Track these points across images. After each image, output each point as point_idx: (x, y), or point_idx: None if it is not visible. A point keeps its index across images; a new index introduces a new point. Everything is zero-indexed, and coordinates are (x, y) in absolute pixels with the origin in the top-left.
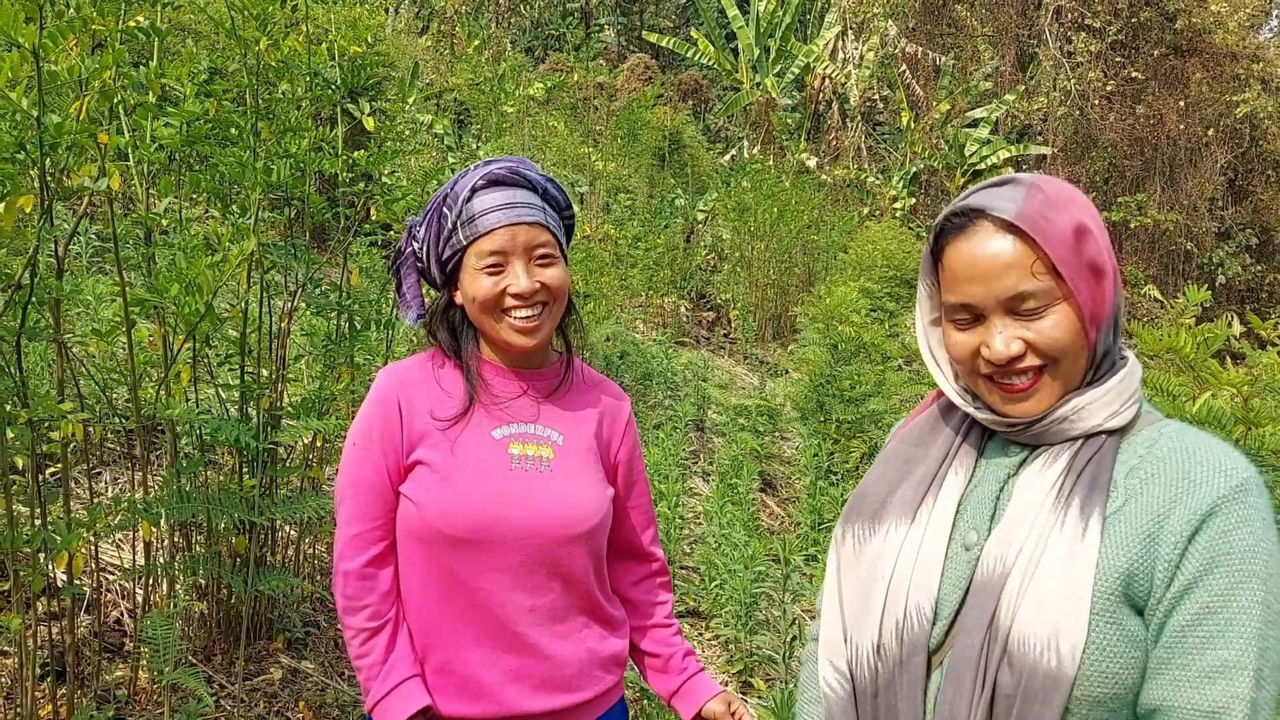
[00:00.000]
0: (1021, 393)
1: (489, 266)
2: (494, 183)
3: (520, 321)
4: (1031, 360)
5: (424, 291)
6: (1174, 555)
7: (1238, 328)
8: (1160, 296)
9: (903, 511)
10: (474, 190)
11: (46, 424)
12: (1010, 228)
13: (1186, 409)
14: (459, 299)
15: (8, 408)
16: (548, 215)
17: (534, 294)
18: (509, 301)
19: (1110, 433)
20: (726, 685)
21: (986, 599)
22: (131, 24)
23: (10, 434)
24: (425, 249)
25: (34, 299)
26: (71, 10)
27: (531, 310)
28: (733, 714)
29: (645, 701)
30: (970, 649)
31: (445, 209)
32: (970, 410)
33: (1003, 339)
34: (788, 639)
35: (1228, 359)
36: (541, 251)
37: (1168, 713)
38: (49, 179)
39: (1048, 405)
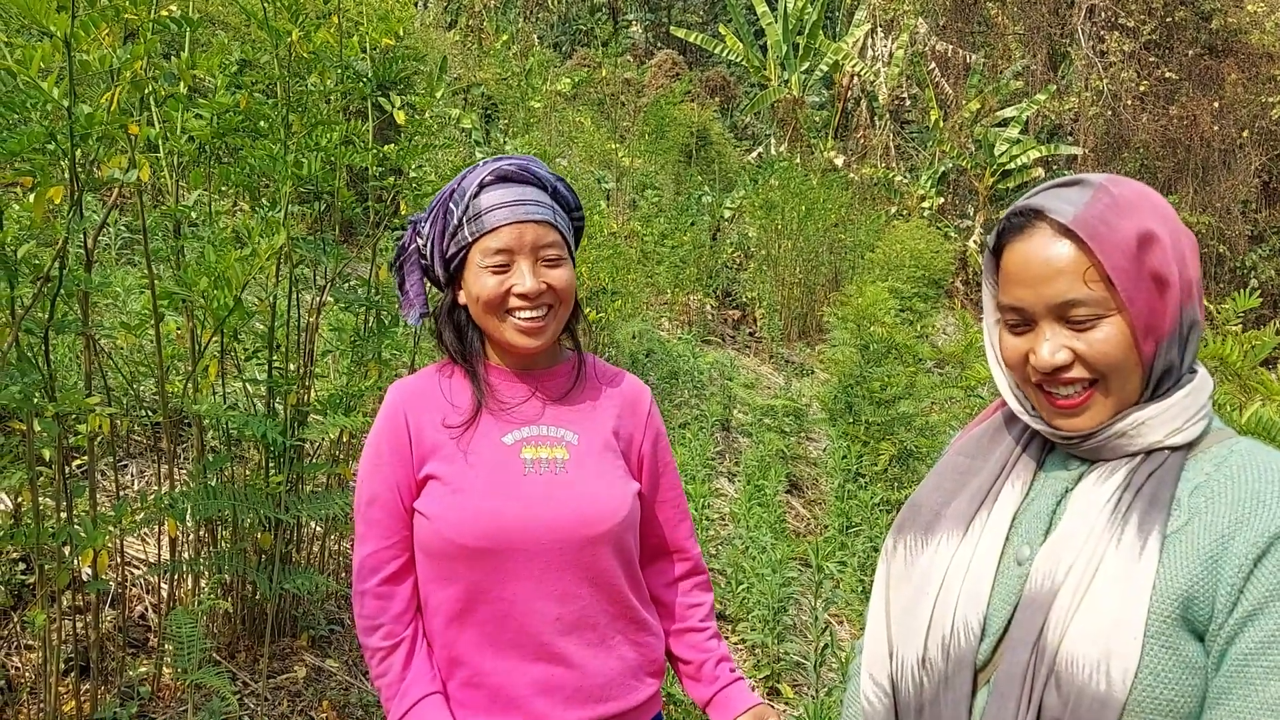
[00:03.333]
0: (1071, 407)
1: (494, 265)
2: (502, 179)
3: (524, 322)
4: (1079, 372)
5: (427, 290)
6: (1238, 579)
7: None
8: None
9: (956, 523)
10: (482, 186)
11: (74, 417)
12: (1066, 232)
13: (1234, 419)
14: (462, 299)
15: (35, 400)
16: (557, 215)
17: (539, 295)
18: (513, 301)
19: (1174, 449)
20: (754, 691)
21: (1034, 615)
22: (164, 14)
23: (38, 427)
24: (429, 245)
25: (63, 291)
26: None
27: (536, 312)
28: None
29: (671, 707)
30: (1016, 666)
31: (452, 204)
32: (1028, 419)
33: (1049, 347)
34: (819, 646)
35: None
36: (549, 252)
37: None
38: (79, 170)
39: (1098, 422)
